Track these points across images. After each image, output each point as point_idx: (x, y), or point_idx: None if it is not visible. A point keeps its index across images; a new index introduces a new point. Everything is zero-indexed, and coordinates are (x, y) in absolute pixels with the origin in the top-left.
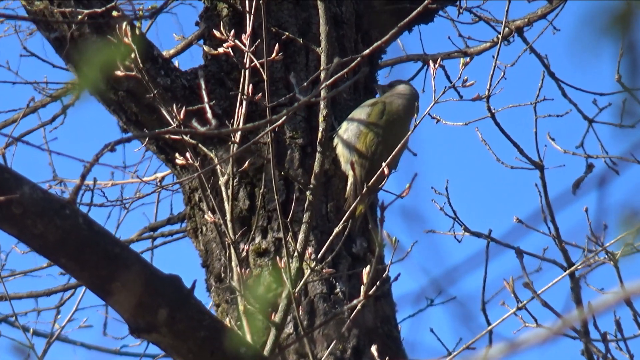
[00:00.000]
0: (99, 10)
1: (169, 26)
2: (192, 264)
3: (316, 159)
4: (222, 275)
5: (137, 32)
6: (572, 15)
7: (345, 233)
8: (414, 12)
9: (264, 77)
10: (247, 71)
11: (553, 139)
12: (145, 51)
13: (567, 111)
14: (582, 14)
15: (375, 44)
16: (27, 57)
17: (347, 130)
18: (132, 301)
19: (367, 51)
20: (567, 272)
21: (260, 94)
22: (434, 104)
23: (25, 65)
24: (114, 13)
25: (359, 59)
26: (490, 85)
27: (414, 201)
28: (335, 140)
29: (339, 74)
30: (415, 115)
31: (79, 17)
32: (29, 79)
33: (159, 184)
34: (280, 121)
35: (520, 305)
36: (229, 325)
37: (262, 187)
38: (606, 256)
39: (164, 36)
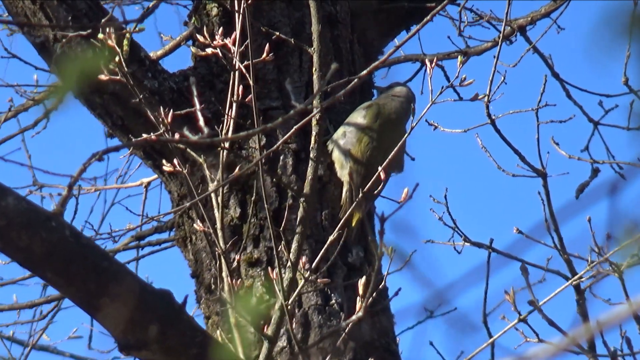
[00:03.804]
0: (84, 17)
1: (167, 20)
2: (182, 274)
3: (309, 166)
4: (213, 286)
5: (126, 45)
6: (578, 15)
7: (341, 242)
8: (420, 24)
9: (250, 81)
10: (235, 74)
11: (557, 144)
12: (132, 53)
13: (571, 116)
14: (598, 16)
15: (373, 65)
16: (9, 59)
17: (343, 135)
18: (121, 317)
19: (364, 72)
20: (569, 282)
21: (250, 96)
22: (430, 105)
23: (5, 67)
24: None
25: (355, 80)
26: (490, 89)
27: (405, 213)
28: (331, 146)
29: (337, 96)
30: (412, 118)
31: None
32: (10, 81)
33: (144, 188)
34: (286, 136)
35: (520, 317)
36: (220, 339)
37: (254, 194)
38: (610, 268)
39: (162, 28)
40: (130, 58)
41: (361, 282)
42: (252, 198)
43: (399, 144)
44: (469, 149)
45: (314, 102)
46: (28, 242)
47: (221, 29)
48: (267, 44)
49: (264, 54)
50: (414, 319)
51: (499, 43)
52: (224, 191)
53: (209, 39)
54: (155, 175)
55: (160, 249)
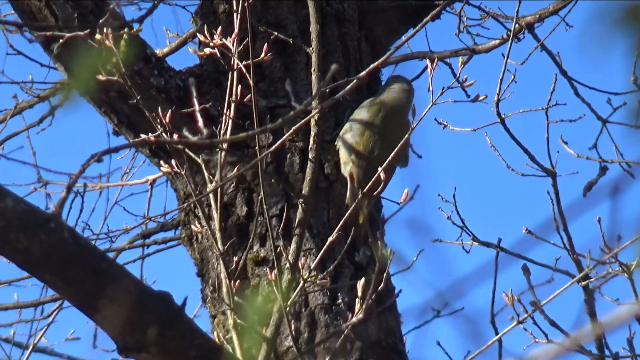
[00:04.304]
0: (89, 13)
1: (168, 18)
2: (187, 273)
3: (308, 166)
4: (211, 287)
5: (123, 47)
6: (585, 11)
7: (348, 241)
8: (420, 25)
9: (250, 80)
10: (234, 73)
11: (566, 143)
12: (138, 51)
13: (581, 116)
14: (593, 10)
15: (371, 65)
16: (13, 56)
17: (348, 131)
18: (120, 319)
19: (364, 72)
20: (574, 280)
21: (248, 96)
22: (431, 106)
23: (10, 64)
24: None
25: (354, 81)
26: (500, 88)
27: (419, 211)
28: (338, 143)
29: (337, 97)
30: (413, 117)
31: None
32: (15, 78)
33: (150, 186)
34: (285, 136)
35: (519, 320)
36: (223, 339)
37: (261, 192)
38: (619, 268)
39: (166, 25)
40: (136, 56)
41: (360, 283)
42: (259, 197)
43: (402, 141)
44: (478, 148)
45: (313, 102)
46: (27, 244)
47: (220, 28)
48: (267, 43)
49: (263, 54)
50: (421, 319)
51: (510, 41)
52: (230, 190)
53: (210, 38)
54: (161, 172)
55: (166, 248)
